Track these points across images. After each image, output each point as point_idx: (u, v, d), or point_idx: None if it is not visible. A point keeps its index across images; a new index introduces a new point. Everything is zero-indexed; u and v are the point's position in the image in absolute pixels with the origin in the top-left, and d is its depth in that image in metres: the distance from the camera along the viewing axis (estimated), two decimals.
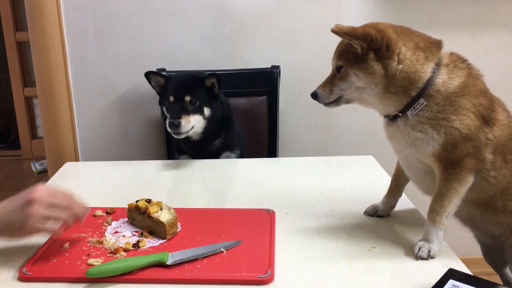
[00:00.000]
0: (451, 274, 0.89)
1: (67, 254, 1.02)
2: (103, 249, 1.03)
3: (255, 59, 2.13)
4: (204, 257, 1.00)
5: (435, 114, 1.03)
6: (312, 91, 1.13)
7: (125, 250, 1.02)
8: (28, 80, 4.02)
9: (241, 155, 1.77)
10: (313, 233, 1.14)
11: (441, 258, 1.02)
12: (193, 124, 1.60)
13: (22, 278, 0.94)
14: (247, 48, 2.13)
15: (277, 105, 2.04)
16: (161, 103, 1.72)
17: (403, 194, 1.26)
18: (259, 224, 1.15)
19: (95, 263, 0.97)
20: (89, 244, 1.06)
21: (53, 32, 2.04)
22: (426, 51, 1.04)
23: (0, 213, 0.95)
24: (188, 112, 1.59)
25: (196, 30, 2.10)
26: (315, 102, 1.13)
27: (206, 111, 1.63)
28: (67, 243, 1.05)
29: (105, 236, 1.09)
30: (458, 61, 1.07)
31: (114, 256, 1.00)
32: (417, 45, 1.04)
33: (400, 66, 1.02)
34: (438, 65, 1.04)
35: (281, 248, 1.06)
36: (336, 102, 1.11)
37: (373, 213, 1.22)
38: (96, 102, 2.16)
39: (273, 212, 1.21)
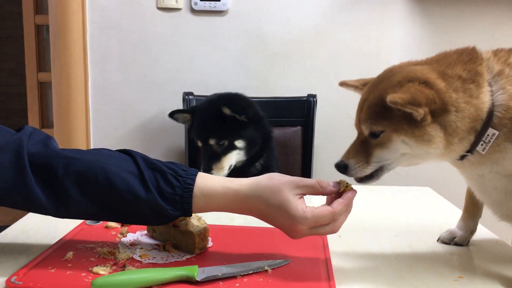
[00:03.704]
0: None
1: (70, 265, 0.80)
2: (116, 261, 0.82)
3: (288, 89, 1.98)
4: (244, 275, 0.78)
5: (510, 130, 0.81)
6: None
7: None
8: (46, 121, 3.92)
9: None
10: (377, 258, 0.91)
11: None
12: (230, 163, 1.42)
13: None
14: (280, 76, 1.99)
15: (313, 136, 1.86)
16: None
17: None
18: (309, 245, 0.93)
19: (102, 272, 0.75)
20: (97, 256, 0.84)
21: (76, 52, 1.92)
22: (472, 77, 0.81)
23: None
24: (219, 157, 1.41)
25: (227, 55, 1.97)
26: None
27: (239, 143, 1.43)
28: (71, 252, 0.83)
29: (118, 247, 0.87)
30: (506, 56, 0.84)
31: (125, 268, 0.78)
32: (460, 77, 0.81)
33: (460, 115, 0.80)
34: (492, 78, 0.82)
35: (340, 272, 0.83)
36: (377, 175, 0.87)
37: (450, 240, 0.99)
38: (115, 128, 2.00)
39: None
